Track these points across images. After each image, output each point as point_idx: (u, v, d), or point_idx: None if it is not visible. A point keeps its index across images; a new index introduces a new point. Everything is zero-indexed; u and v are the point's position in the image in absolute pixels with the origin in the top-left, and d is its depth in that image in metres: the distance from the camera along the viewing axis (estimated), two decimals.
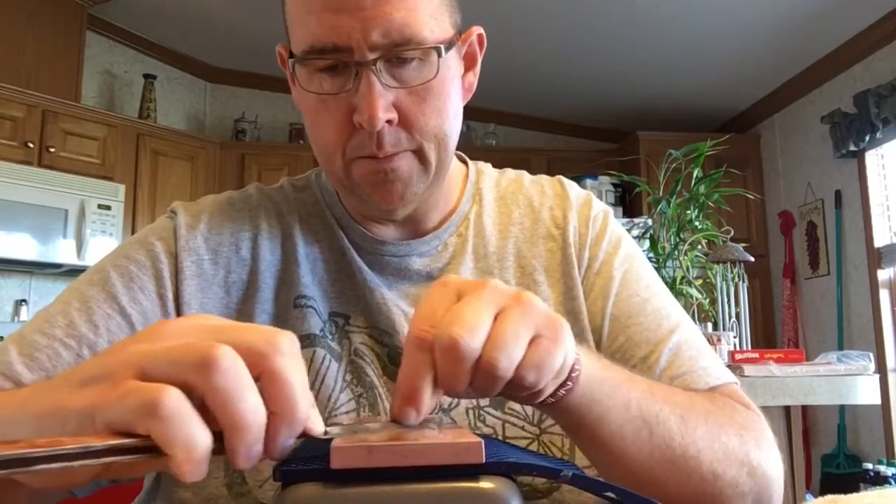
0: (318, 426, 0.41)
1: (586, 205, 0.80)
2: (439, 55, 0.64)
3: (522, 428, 0.68)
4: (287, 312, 0.70)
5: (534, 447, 0.67)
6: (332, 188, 0.77)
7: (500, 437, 0.67)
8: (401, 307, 0.71)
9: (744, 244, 2.51)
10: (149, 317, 0.67)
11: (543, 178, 0.84)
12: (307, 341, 0.68)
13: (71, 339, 0.63)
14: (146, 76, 4.17)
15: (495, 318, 0.44)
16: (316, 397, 0.65)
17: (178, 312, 0.68)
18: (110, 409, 0.36)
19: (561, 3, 3.60)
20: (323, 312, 0.71)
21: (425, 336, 0.43)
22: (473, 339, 0.43)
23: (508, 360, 0.43)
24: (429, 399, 0.43)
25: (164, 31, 4.21)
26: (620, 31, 3.86)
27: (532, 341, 0.45)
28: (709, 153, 1.95)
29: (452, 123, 0.69)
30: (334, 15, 0.61)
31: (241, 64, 4.60)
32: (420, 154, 0.67)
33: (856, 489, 3.23)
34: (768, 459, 0.62)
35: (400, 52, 0.63)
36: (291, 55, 0.66)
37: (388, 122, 0.63)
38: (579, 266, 0.76)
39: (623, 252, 0.77)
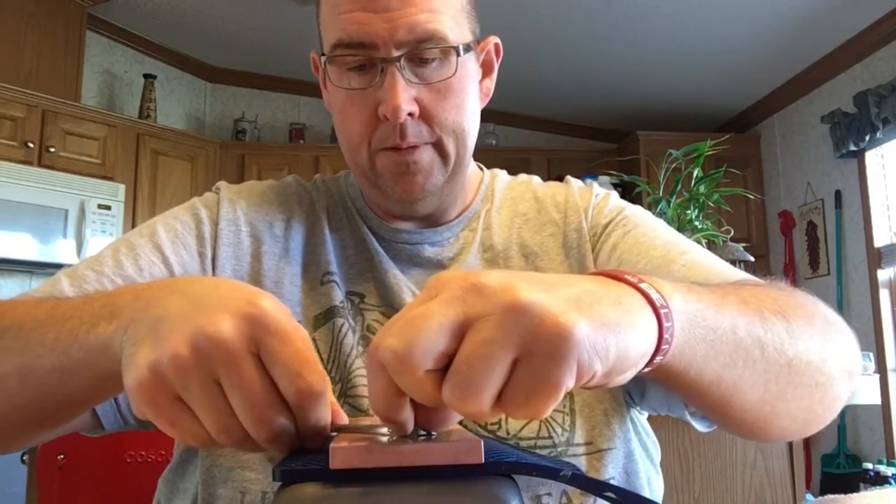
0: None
1: (588, 188, 0.84)
2: (458, 55, 0.70)
3: None
4: (316, 288, 0.76)
5: (534, 425, 0.68)
6: (357, 184, 0.82)
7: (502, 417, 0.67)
8: (411, 289, 0.76)
9: (744, 244, 2.50)
10: (188, 269, 0.74)
11: (553, 181, 0.88)
12: (332, 312, 0.74)
13: (118, 276, 0.70)
14: (146, 76, 4.17)
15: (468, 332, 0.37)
16: (335, 362, 0.71)
17: (214, 272, 0.75)
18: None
19: (560, 4, 3.60)
20: (342, 290, 0.76)
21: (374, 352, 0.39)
22: (409, 360, 0.36)
23: (469, 391, 0.36)
24: (406, 409, 0.39)
25: (164, 31, 4.21)
26: (620, 32, 3.86)
27: (518, 362, 0.37)
28: (709, 153, 1.95)
29: (470, 120, 0.75)
30: (363, 15, 0.68)
31: (241, 64, 4.60)
32: (440, 147, 0.73)
33: (856, 489, 3.23)
34: (844, 321, 0.60)
35: (423, 50, 0.69)
36: (323, 55, 0.73)
37: (410, 115, 0.69)
38: (586, 238, 0.78)
39: (628, 212, 0.79)
